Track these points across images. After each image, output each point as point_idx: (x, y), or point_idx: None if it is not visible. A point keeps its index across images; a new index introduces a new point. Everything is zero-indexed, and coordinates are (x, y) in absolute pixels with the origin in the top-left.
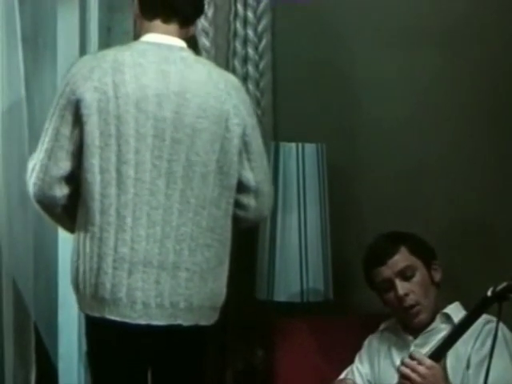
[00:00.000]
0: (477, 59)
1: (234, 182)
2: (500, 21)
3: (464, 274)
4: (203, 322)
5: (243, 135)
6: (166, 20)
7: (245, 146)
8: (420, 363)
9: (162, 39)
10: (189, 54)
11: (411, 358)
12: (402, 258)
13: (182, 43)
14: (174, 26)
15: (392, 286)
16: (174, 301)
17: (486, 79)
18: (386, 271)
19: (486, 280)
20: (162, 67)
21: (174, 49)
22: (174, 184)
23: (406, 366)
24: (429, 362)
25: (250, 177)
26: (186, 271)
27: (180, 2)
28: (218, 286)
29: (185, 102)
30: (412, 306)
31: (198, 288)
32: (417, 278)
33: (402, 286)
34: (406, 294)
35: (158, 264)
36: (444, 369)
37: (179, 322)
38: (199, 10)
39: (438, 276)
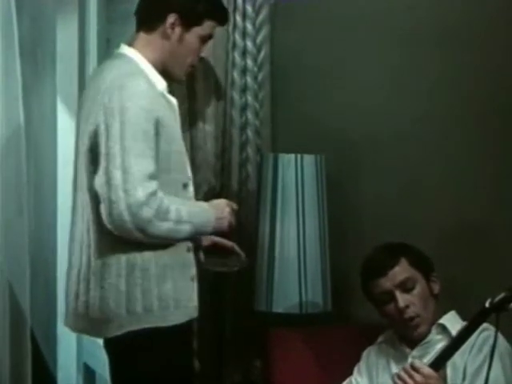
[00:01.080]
0: (476, 63)
1: (85, 185)
2: (503, 22)
3: (462, 284)
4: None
5: (94, 136)
6: (136, 29)
7: (95, 147)
8: (417, 371)
9: (120, 48)
10: (116, 61)
11: (411, 366)
12: (402, 270)
13: (126, 50)
14: (139, 34)
15: (392, 298)
16: None
17: (485, 85)
18: (386, 283)
19: (484, 289)
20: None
21: (116, 56)
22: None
23: (405, 372)
24: (427, 370)
25: (95, 180)
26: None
27: (140, 7)
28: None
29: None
30: (412, 318)
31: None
32: (417, 290)
33: (402, 298)
34: (407, 306)
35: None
36: (444, 379)
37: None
38: (154, 12)
39: (436, 288)
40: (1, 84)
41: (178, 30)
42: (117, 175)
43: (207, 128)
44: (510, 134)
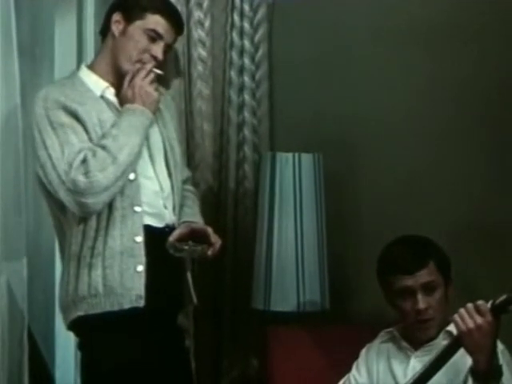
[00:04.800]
0: (475, 61)
1: None
2: (498, 22)
3: (463, 284)
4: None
5: None
6: None
7: None
8: (481, 314)
9: None
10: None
11: (476, 307)
12: (429, 273)
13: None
14: None
15: (411, 296)
16: None
17: (481, 84)
18: (411, 281)
19: (485, 288)
20: None
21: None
22: None
23: (467, 311)
24: (489, 317)
25: None
26: None
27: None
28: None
29: None
30: (426, 320)
31: None
32: (437, 294)
33: (423, 300)
34: (426, 309)
35: None
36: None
37: None
38: (104, 21)
39: (451, 290)
40: None
41: (121, 25)
42: None
43: (205, 127)
44: (509, 131)
